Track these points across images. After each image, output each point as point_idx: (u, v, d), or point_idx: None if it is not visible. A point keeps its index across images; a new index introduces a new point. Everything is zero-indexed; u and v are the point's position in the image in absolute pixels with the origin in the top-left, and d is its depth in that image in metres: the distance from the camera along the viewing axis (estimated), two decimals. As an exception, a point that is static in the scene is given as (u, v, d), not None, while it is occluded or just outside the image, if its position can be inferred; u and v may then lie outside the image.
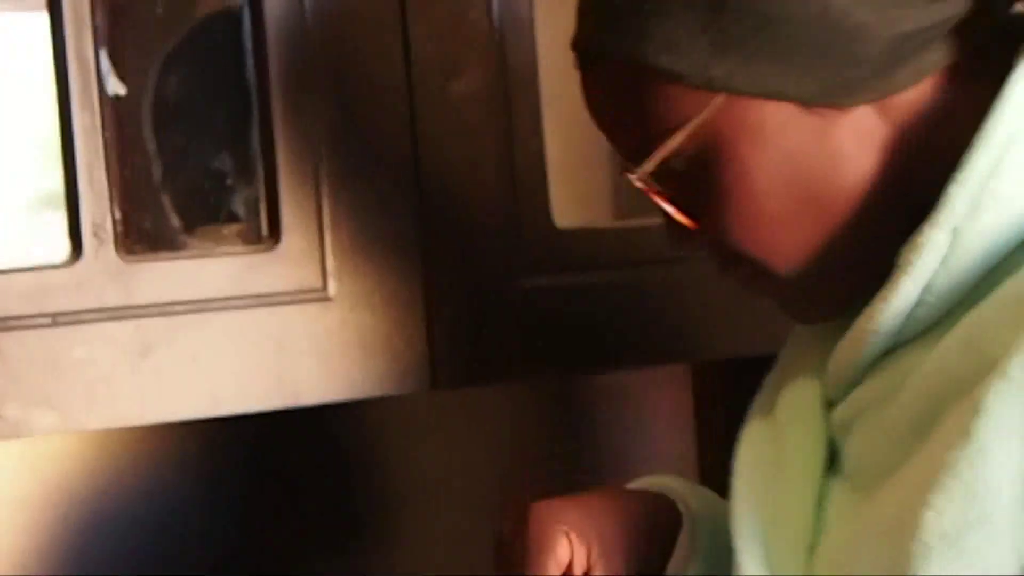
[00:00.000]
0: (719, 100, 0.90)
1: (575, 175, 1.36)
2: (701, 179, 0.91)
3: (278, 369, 1.12)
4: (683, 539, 1.07)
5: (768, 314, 1.30)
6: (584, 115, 0.94)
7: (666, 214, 0.94)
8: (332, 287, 1.14)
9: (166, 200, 1.14)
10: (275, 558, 1.52)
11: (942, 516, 0.86)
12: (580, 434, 1.70)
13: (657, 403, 1.71)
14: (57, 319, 1.06)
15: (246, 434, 1.45)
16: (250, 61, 1.14)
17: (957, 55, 0.90)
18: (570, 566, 1.03)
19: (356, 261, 1.15)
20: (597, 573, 1.04)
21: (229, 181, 1.16)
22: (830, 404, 1.00)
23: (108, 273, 1.08)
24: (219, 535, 1.50)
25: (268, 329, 1.12)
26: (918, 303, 0.92)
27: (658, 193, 0.93)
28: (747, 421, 1.06)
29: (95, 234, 1.07)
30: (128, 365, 1.08)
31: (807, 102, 0.89)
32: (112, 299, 1.08)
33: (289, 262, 1.13)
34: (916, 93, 0.90)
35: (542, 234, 1.20)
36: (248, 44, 1.14)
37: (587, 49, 0.94)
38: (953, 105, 0.91)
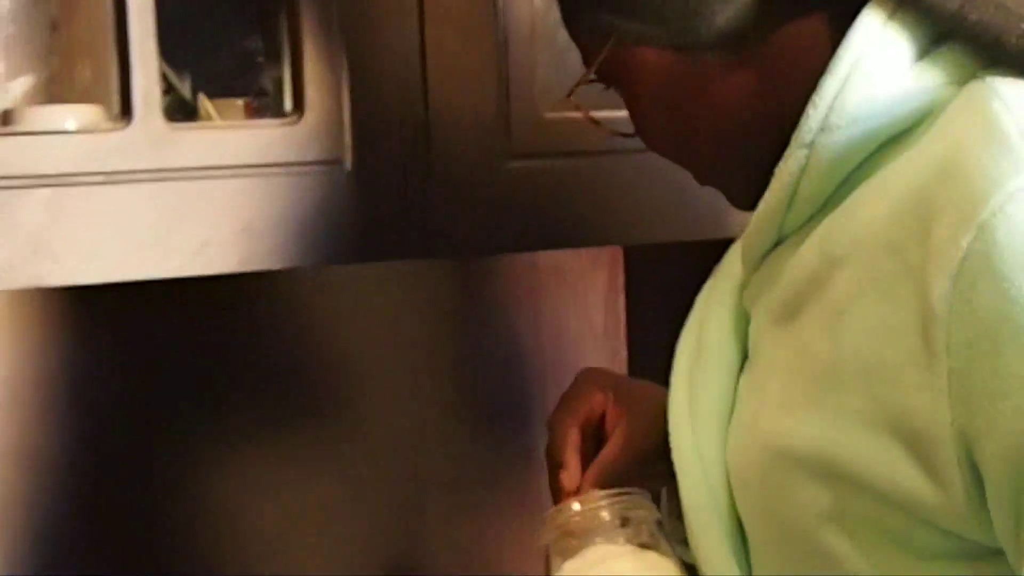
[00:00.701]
0: (611, 43, 1.07)
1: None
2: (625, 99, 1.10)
3: (300, 230, 1.26)
4: None
5: (693, 205, 1.47)
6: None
7: None
8: (348, 160, 1.27)
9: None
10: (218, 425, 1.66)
11: (804, 393, 1.01)
12: (521, 309, 1.85)
13: (592, 282, 1.86)
14: (111, 177, 1.18)
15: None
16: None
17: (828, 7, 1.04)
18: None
19: (370, 139, 1.28)
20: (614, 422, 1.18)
21: (260, 59, 1.28)
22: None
23: (155, 138, 1.20)
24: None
25: (291, 194, 1.25)
26: (789, 207, 1.06)
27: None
28: (687, 321, 1.18)
29: (145, 101, 1.19)
30: (168, 222, 1.21)
31: (676, 48, 1.06)
32: (157, 162, 1.20)
33: (311, 135, 1.26)
34: (781, 36, 1.04)
35: (529, 123, 1.35)
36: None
37: None
38: (815, 41, 1.04)
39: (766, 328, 1.08)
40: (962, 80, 1.01)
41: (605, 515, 1.10)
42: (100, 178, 1.17)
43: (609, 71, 1.10)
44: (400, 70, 1.29)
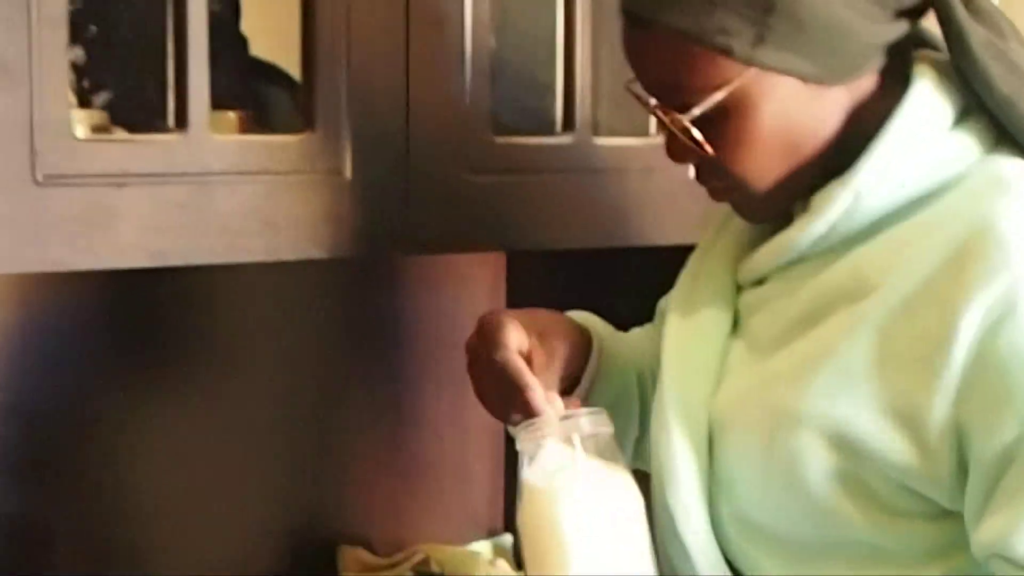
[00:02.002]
0: (752, 71, 1.21)
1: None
2: (723, 121, 1.23)
3: (310, 228, 1.51)
4: (594, 355, 1.42)
5: (575, 217, 1.72)
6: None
7: (671, 138, 1.27)
8: (347, 170, 1.53)
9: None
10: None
11: (825, 376, 1.21)
12: (405, 310, 2.11)
13: (476, 286, 2.14)
14: (166, 178, 1.41)
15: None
16: None
17: (887, 58, 1.25)
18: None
19: (364, 154, 1.53)
20: (537, 354, 1.34)
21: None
22: (739, 288, 1.36)
23: (200, 144, 1.44)
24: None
25: (302, 196, 1.50)
26: (823, 237, 1.26)
27: (686, 130, 1.24)
28: (673, 296, 1.40)
29: (196, 115, 1.43)
30: (203, 211, 1.44)
31: (808, 79, 1.22)
32: (197, 165, 1.44)
33: (318, 148, 1.51)
34: (865, 82, 1.25)
35: (485, 144, 1.63)
36: None
37: (647, 17, 1.22)
38: (879, 94, 1.25)
39: (777, 323, 1.28)
40: (986, 149, 1.24)
41: (583, 425, 1.25)
42: (159, 177, 1.41)
43: (722, 101, 1.21)
44: (388, 99, 1.54)
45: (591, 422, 1.26)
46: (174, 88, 1.42)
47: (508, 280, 2.14)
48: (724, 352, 1.34)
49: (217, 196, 1.44)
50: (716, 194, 1.32)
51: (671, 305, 1.40)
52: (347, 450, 2.08)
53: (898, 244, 1.23)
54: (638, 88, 1.29)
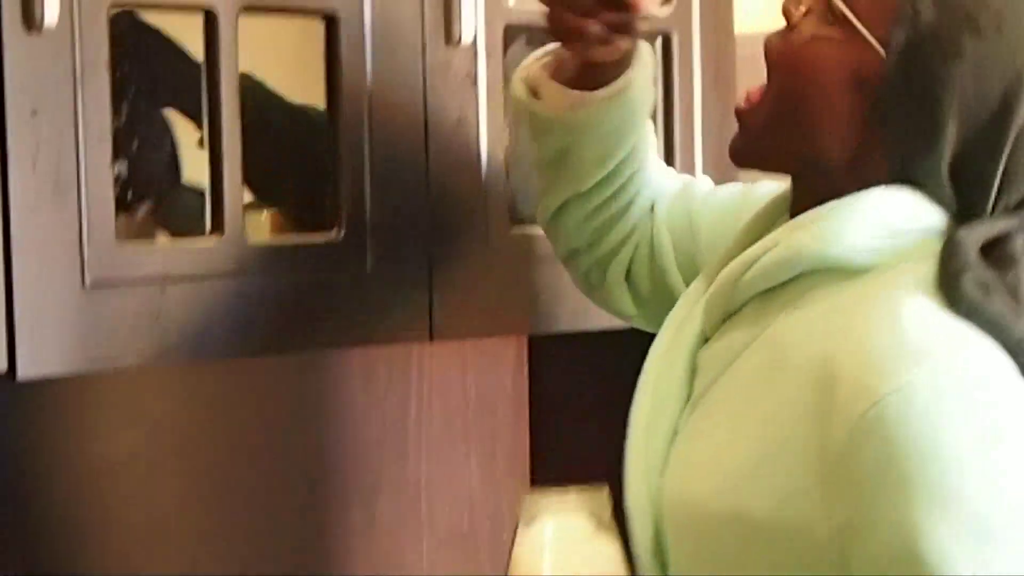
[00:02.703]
0: (878, 53, 1.25)
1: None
2: (823, 26, 1.28)
3: (339, 317, 1.61)
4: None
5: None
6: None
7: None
8: (372, 264, 1.63)
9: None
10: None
11: (749, 455, 1.23)
12: (433, 390, 2.19)
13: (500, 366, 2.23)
14: (204, 279, 1.52)
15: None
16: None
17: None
18: None
19: (385, 251, 1.63)
20: None
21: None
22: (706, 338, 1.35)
23: (239, 247, 1.54)
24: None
25: (329, 288, 1.60)
26: (750, 268, 1.28)
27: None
28: (647, 363, 1.40)
29: (232, 220, 1.53)
30: (241, 309, 1.55)
31: (874, 118, 1.27)
32: (233, 266, 1.54)
33: (345, 245, 1.62)
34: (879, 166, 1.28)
35: (503, 234, 1.72)
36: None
37: None
38: (866, 170, 1.28)
39: (713, 392, 1.31)
40: (908, 272, 1.25)
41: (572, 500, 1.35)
42: (198, 279, 1.51)
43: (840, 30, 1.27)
44: (410, 195, 1.65)
45: (591, 502, 1.37)
46: (210, 195, 1.53)
47: (531, 359, 2.22)
48: (676, 422, 1.36)
49: (253, 294, 1.54)
50: (743, 107, 1.36)
51: (641, 382, 1.40)
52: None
53: (802, 333, 1.26)
54: None
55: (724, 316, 1.33)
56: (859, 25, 1.27)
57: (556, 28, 1.41)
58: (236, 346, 1.54)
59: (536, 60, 1.52)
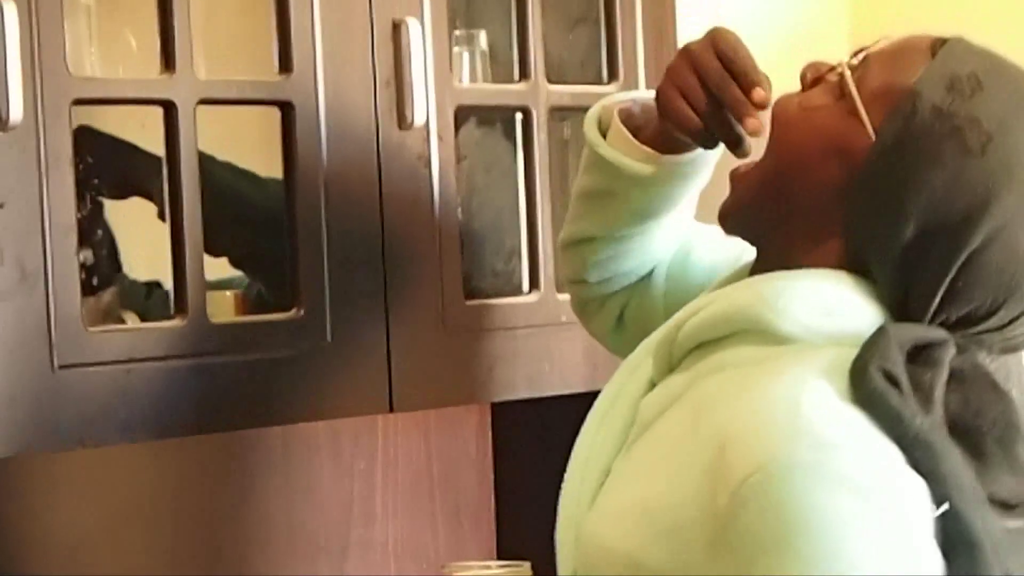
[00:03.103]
0: (867, 144, 1.29)
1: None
2: (823, 96, 1.33)
3: (303, 394, 1.67)
4: None
5: (546, 366, 1.89)
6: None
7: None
8: (330, 337, 1.69)
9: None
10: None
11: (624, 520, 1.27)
12: (399, 457, 2.25)
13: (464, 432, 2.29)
14: (173, 358, 1.58)
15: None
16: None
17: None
18: None
19: (344, 329, 1.70)
20: None
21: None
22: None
23: (208, 329, 1.61)
24: None
25: (290, 364, 1.67)
26: (688, 321, 1.33)
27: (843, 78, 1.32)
28: (599, 398, 1.43)
29: (196, 302, 1.60)
30: (204, 387, 1.61)
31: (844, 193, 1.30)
32: (197, 347, 1.61)
33: (306, 324, 1.68)
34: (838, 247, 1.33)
35: (458, 306, 1.79)
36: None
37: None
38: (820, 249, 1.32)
39: (645, 448, 1.34)
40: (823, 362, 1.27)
41: None
42: (162, 360, 1.58)
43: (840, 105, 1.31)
44: (367, 272, 1.72)
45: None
46: (173, 278, 1.60)
47: (495, 423, 2.29)
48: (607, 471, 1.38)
49: (216, 373, 1.61)
50: (736, 176, 1.39)
51: (588, 420, 1.43)
52: None
53: (727, 385, 1.29)
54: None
55: (669, 366, 1.37)
56: (860, 106, 1.31)
57: (663, 103, 1.41)
58: (202, 423, 1.60)
59: (616, 100, 1.54)
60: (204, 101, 1.59)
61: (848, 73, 1.33)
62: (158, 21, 1.58)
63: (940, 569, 1.21)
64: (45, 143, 1.49)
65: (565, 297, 1.87)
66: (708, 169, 1.51)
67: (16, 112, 1.45)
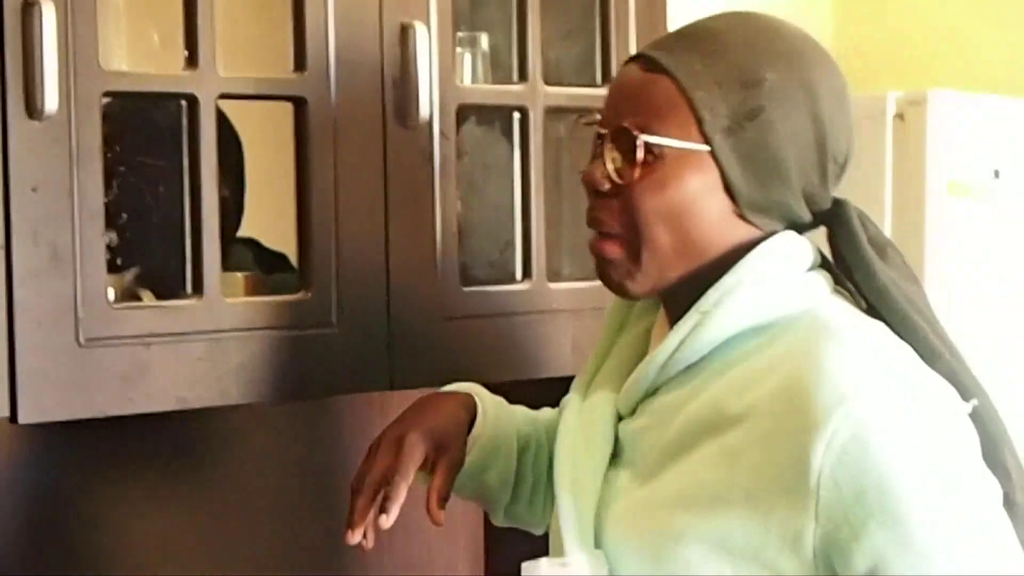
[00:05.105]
0: (703, 150, 1.38)
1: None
2: (652, 167, 1.38)
3: (308, 372, 1.79)
4: (475, 428, 1.63)
5: (537, 351, 1.99)
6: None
7: (597, 165, 1.41)
8: (337, 322, 1.81)
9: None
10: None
11: (700, 502, 1.36)
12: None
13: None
14: (187, 336, 1.69)
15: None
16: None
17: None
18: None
19: (349, 310, 1.82)
20: (440, 462, 1.56)
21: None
22: (620, 416, 1.50)
23: (214, 306, 1.72)
24: None
25: (298, 344, 1.78)
26: (675, 352, 1.41)
27: (622, 151, 1.40)
28: (564, 410, 1.58)
29: (211, 282, 1.71)
30: (218, 362, 1.72)
31: (733, 193, 1.39)
32: (212, 324, 1.72)
33: (313, 307, 1.80)
34: (754, 229, 1.42)
35: (455, 294, 1.91)
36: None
37: (661, 62, 1.40)
38: (753, 241, 1.41)
39: (653, 451, 1.43)
40: (822, 296, 1.42)
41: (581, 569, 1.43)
42: (180, 336, 1.69)
43: (664, 149, 1.38)
44: (371, 262, 1.83)
45: (590, 565, 1.43)
46: (191, 260, 1.72)
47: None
48: (603, 475, 1.48)
49: (230, 349, 1.72)
50: (599, 246, 1.45)
51: (561, 427, 1.55)
52: (344, 560, 2.34)
53: (748, 381, 1.37)
54: (592, 118, 1.49)
55: (641, 399, 1.48)
56: (683, 144, 1.39)
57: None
58: (214, 396, 1.71)
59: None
60: (224, 96, 1.70)
61: (638, 134, 1.40)
62: (184, 21, 1.69)
63: None
64: (77, 132, 1.60)
65: (556, 286, 2.00)
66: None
67: (52, 103, 1.56)
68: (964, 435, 1.37)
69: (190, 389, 1.70)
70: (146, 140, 1.79)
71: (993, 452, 1.41)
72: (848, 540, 1.31)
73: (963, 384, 1.41)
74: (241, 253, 1.91)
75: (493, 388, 2.33)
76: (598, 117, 1.46)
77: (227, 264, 1.78)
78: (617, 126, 1.42)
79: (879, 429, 1.30)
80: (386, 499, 1.54)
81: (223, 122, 1.75)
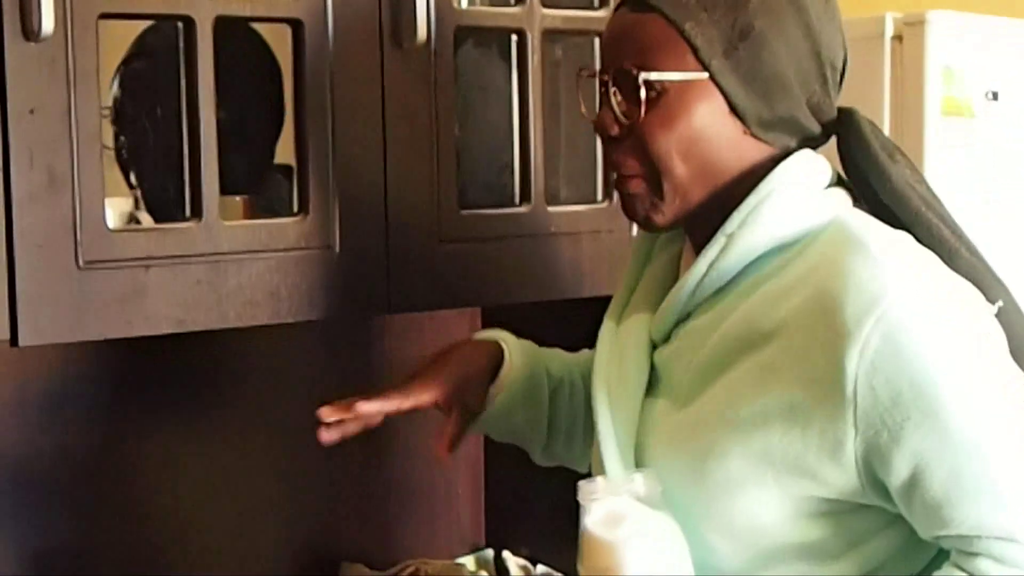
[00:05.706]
0: (704, 77, 1.41)
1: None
2: (659, 103, 1.41)
3: (307, 294, 1.79)
4: (501, 375, 1.69)
5: (535, 275, 2.00)
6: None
7: (606, 110, 1.45)
8: (336, 244, 1.81)
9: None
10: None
11: (742, 417, 1.38)
12: (393, 358, 2.39)
13: (455, 335, 2.41)
14: (185, 259, 1.70)
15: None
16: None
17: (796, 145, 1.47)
18: None
19: (349, 232, 1.82)
20: (455, 408, 1.65)
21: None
22: (654, 345, 1.53)
23: (212, 229, 1.72)
24: None
25: (297, 267, 1.78)
26: (705, 275, 1.45)
27: (635, 90, 1.42)
28: (601, 335, 1.60)
29: (210, 206, 1.71)
30: (217, 285, 1.73)
31: (739, 113, 1.42)
32: (211, 247, 1.72)
33: (313, 229, 1.80)
34: (771, 155, 1.45)
35: (453, 217, 1.91)
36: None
37: (650, 2, 1.42)
38: (769, 160, 1.45)
39: (689, 373, 1.46)
40: (843, 209, 1.44)
41: (639, 485, 1.44)
42: (179, 259, 1.70)
43: (668, 84, 1.41)
44: (369, 184, 1.83)
45: (645, 483, 1.44)
46: (189, 184, 1.72)
47: (484, 327, 2.40)
48: (641, 401, 1.52)
49: (228, 272, 1.73)
50: (623, 183, 1.49)
51: (596, 359, 1.58)
52: (347, 479, 2.36)
53: (778, 297, 1.40)
54: (592, 68, 1.53)
55: (674, 325, 1.51)
56: (682, 75, 1.42)
57: None
58: (213, 319, 1.72)
59: None
60: (221, 18, 1.70)
61: (638, 73, 1.43)
62: (181, -58, 1.68)
63: None
64: (74, 54, 1.59)
65: (554, 209, 2.00)
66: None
67: (48, 25, 1.55)
68: (992, 333, 1.40)
69: (188, 312, 1.70)
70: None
71: (1018, 349, 1.44)
72: (888, 444, 1.34)
73: (985, 283, 1.45)
74: (278, 181, 1.92)
75: (491, 313, 2.36)
76: (598, 68, 1.50)
77: (261, 189, 1.79)
78: (617, 69, 1.45)
79: (909, 332, 1.33)
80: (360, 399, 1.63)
81: (262, 47, 1.74)
